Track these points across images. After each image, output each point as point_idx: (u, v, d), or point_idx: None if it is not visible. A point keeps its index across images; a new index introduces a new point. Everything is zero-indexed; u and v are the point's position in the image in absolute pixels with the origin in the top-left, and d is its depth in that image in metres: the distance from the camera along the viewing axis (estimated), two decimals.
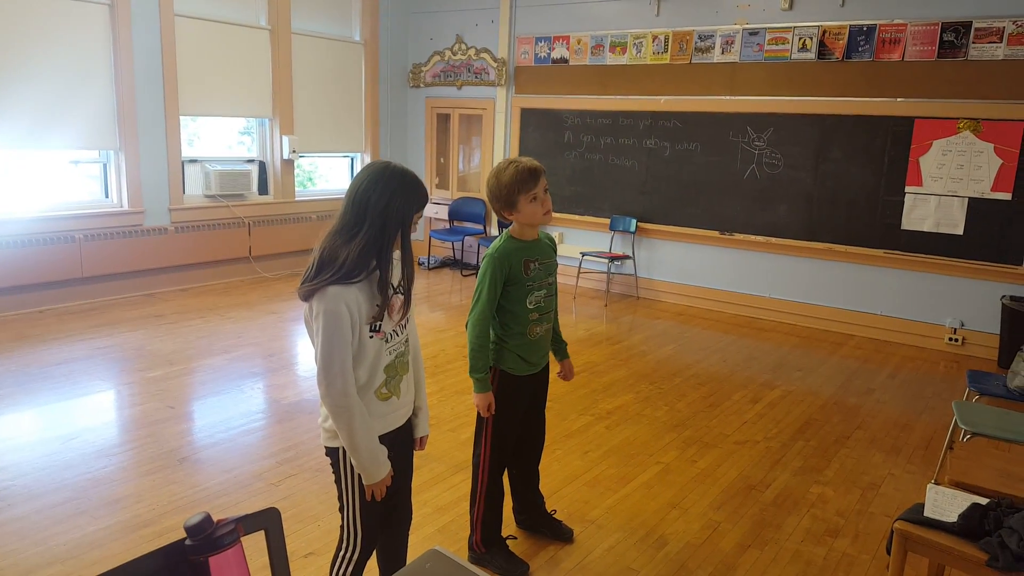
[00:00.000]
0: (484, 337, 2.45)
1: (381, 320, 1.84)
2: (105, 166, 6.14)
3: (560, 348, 2.77)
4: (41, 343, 4.94)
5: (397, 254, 1.89)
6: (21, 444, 3.48)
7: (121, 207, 6.16)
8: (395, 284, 1.88)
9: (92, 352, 4.81)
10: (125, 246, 6.12)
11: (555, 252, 2.63)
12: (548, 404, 2.81)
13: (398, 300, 1.89)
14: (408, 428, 2.08)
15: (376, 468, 1.88)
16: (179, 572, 1.12)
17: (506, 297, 2.46)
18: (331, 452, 1.97)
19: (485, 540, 2.64)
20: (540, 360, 2.62)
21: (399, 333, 1.94)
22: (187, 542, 1.12)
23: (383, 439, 1.92)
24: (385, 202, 1.81)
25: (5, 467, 3.24)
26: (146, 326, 5.42)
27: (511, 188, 2.37)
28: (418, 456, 3.50)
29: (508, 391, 2.52)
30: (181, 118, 6.44)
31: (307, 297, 1.81)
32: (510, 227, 2.52)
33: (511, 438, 2.63)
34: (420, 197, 1.88)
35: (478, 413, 2.59)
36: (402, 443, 2.05)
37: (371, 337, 1.84)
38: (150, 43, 6.12)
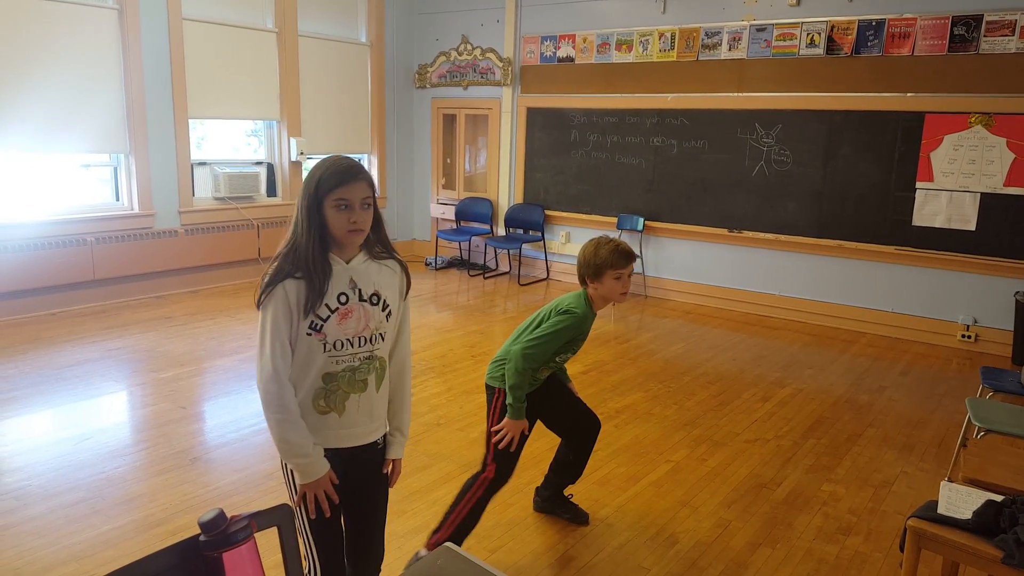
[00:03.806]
0: (529, 373, 2.52)
1: (322, 321, 1.70)
2: (116, 169, 6.18)
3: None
4: (54, 345, 4.98)
5: (362, 260, 1.76)
6: (36, 445, 3.51)
7: (132, 210, 6.20)
8: (344, 290, 1.73)
9: (104, 354, 4.84)
10: (136, 248, 6.15)
11: None
12: None
13: (354, 310, 1.73)
14: (369, 455, 1.86)
15: (308, 464, 1.72)
16: (193, 568, 1.12)
17: None
18: (284, 467, 1.81)
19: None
20: (540, 381, 2.69)
21: (354, 345, 1.74)
22: (201, 538, 1.13)
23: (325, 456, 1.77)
24: (300, 189, 1.72)
25: (21, 467, 3.27)
26: (157, 328, 5.46)
27: (605, 262, 2.50)
28: (427, 455, 3.53)
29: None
30: (190, 121, 6.47)
31: (259, 301, 1.70)
32: (588, 292, 2.58)
33: (517, 454, 2.62)
34: (326, 172, 1.67)
35: (488, 432, 2.60)
36: (359, 470, 1.84)
37: (308, 335, 1.70)
38: (159, 47, 6.15)
